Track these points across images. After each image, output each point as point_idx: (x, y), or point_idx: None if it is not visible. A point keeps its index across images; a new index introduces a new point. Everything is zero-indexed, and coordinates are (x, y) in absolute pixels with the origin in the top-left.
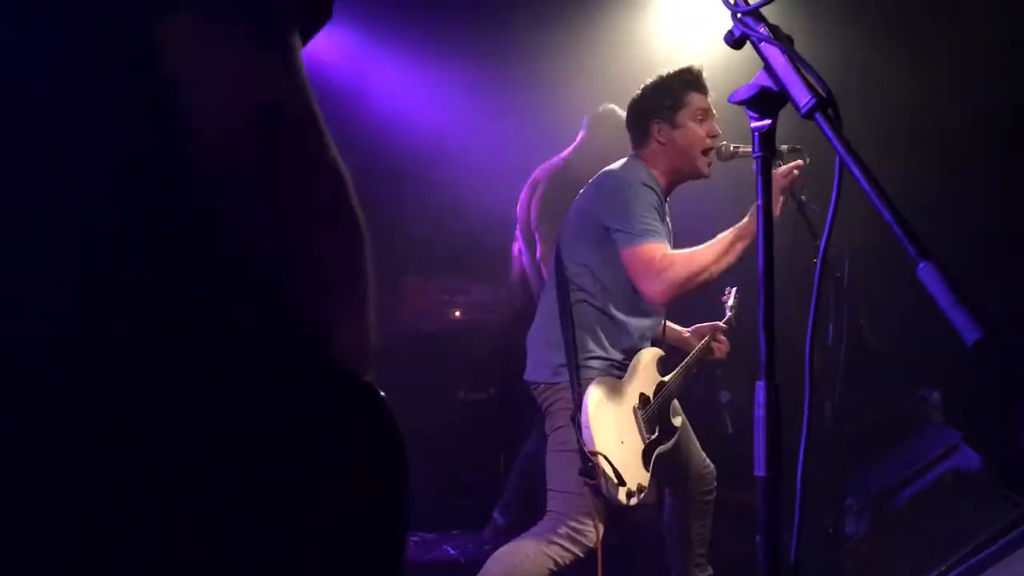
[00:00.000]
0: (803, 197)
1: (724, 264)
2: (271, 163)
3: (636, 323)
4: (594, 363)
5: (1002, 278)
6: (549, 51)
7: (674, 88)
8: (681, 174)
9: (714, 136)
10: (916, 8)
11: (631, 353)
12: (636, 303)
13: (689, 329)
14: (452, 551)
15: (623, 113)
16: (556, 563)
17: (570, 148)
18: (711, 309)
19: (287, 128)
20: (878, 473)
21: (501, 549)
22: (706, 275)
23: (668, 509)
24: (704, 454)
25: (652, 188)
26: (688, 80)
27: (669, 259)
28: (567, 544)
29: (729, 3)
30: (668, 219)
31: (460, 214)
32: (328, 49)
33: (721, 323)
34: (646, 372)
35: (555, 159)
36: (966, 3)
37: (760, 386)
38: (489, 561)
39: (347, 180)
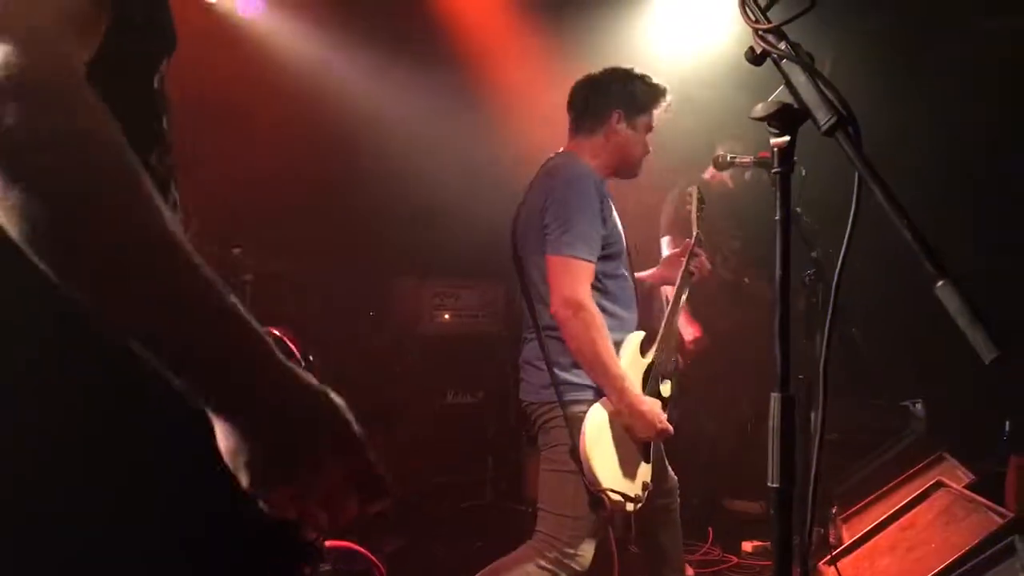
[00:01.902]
0: (797, 209)
1: (590, 366)
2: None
3: (616, 317)
4: (572, 376)
5: (991, 292)
6: (541, 56)
7: (652, 94)
8: (615, 171)
9: (647, 152)
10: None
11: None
12: (613, 296)
13: (660, 266)
14: (437, 555)
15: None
16: None
17: None
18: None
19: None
20: (862, 482)
21: (487, 569)
22: (581, 355)
23: (634, 519)
24: (669, 466)
25: (595, 183)
26: (662, 97)
27: (590, 312)
28: (557, 569)
29: (749, 20)
30: (612, 206)
31: (450, 218)
32: (320, 52)
33: (691, 240)
34: (633, 365)
35: None
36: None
37: (775, 398)
38: None
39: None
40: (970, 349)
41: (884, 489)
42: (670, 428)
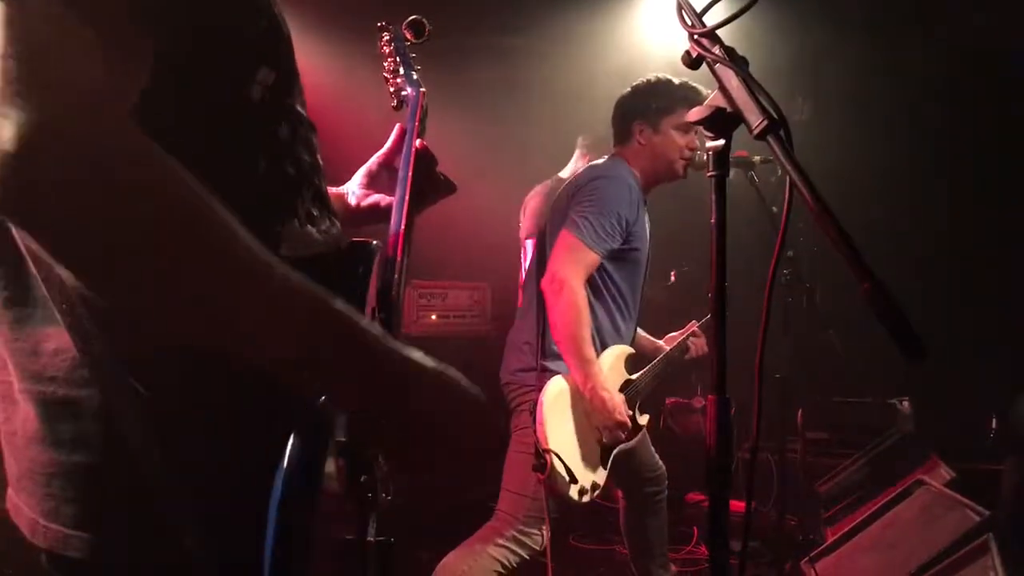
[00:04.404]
0: (774, 209)
1: (563, 343)
2: None
3: (612, 321)
4: (560, 365)
5: (975, 291)
6: (532, 53)
7: (671, 96)
8: (657, 177)
9: (693, 149)
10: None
11: (601, 349)
12: (615, 300)
13: (664, 339)
14: (424, 556)
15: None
16: (503, 565)
17: (566, 169)
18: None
19: None
20: (848, 480)
21: (449, 555)
22: (556, 330)
23: (623, 511)
24: (656, 456)
25: (631, 187)
26: (688, 99)
27: (574, 293)
28: (513, 547)
29: (686, 24)
30: (647, 217)
31: (438, 218)
32: (308, 52)
33: (696, 323)
34: (612, 370)
35: (546, 181)
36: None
37: (711, 401)
38: (438, 568)
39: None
40: (956, 347)
41: (869, 489)
42: (628, 422)
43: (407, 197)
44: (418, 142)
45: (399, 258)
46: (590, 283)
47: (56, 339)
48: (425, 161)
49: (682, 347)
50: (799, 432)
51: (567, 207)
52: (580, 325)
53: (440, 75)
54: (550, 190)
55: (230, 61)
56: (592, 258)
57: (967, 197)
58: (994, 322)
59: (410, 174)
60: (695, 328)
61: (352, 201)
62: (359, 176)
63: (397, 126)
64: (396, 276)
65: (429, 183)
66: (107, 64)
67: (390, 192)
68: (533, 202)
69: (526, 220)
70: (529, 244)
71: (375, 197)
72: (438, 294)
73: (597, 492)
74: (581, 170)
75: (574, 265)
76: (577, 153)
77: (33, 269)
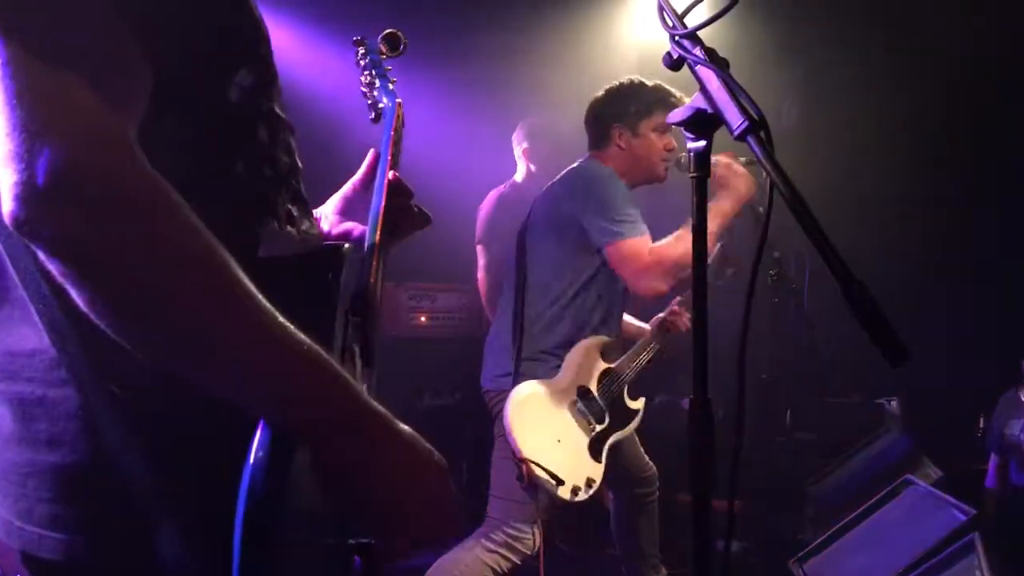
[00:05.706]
0: (761, 209)
1: (710, 244)
2: None
3: (602, 313)
4: (537, 367)
5: (966, 293)
6: (522, 53)
7: (647, 99)
8: (634, 179)
9: (671, 150)
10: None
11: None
12: (602, 300)
13: (649, 323)
14: (414, 562)
15: (549, 123)
16: (494, 571)
17: (518, 173)
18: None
19: None
20: (836, 481)
21: (440, 559)
22: (685, 263)
23: (613, 512)
24: (646, 456)
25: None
26: (663, 101)
27: (656, 253)
28: (504, 551)
29: (667, 25)
30: None
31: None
32: (297, 50)
33: (675, 301)
34: (585, 362)
35: (500, 187)
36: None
37: (693, 402)
38: (428, 573)
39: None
40: (945, 346)
41: (857, 489)
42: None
43: (380, 223)
44: (391, 174)
45: (373, 275)
46: (585, 280)
47: (33, 340)
48: (398, 194)
49: (663, 328)
50: (787, 432)
51: (573, 215)
52: (684, 248)
53: (434, 76)
54: (501, 195)
55: (211, 63)
56: (642, 240)
57: (967, 197)
58: (983, 323)
59: (384, 192)
60: (675, 307)
61: (325, 226)
62: (334, 201)
63: (371, 151)
64: (373, 281)
65: (403, 216)
66: (111, 97)
67: (365, 217)
68: (484, 209)
69: (478, 226)
70: (479, 249)
71: (348, 225)
72: (427, 295)
73: (594, 487)
74: (564, 175)
75: (640, 257)
76: (517, 151)
77: (11, 270)
